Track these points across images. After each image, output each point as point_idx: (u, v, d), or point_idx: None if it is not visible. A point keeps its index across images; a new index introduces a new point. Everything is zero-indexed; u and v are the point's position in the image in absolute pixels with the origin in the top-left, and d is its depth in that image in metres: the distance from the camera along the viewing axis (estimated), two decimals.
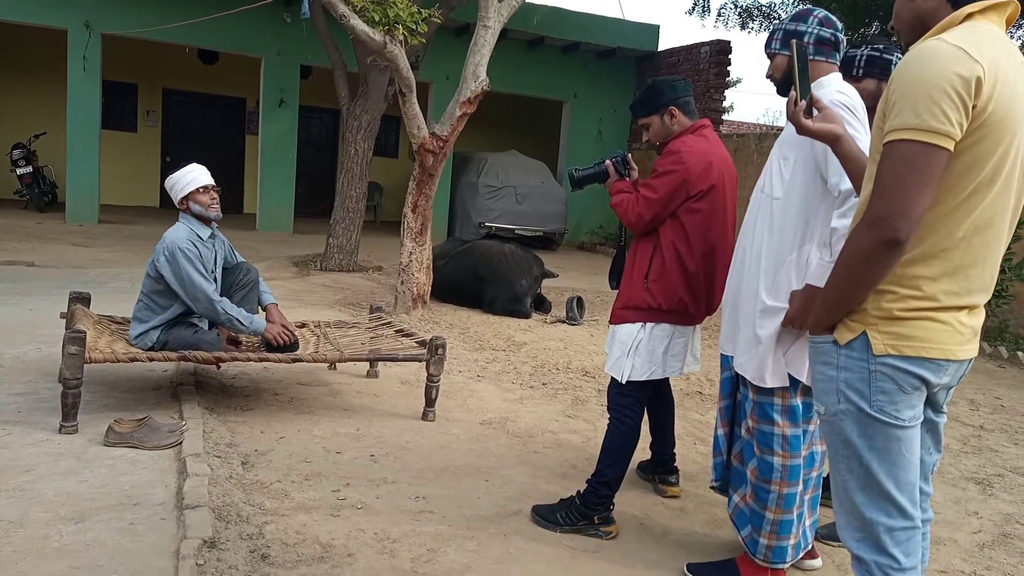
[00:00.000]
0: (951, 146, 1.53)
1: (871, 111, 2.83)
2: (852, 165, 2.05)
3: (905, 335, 1.63)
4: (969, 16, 1.62)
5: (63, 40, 10.64)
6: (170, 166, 3.97)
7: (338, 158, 9.38)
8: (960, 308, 1.66)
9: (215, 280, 3.80)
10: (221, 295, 3.82)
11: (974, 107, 1.52)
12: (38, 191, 11.72)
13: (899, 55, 2.97)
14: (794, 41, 2.03)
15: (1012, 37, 9.61)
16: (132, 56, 12.81)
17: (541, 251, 11.65)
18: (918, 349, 1.63)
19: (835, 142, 2.04)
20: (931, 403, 1.79)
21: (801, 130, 2.02)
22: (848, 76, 2.85)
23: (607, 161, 3.01)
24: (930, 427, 1.83)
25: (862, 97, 2.83)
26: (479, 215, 12.17)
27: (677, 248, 2.74)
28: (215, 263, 3.81)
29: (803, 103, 1.98)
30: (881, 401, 1.66)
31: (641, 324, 2.82)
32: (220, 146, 14.40)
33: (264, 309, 3.97)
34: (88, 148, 10.87)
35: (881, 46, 2.96)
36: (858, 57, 2.95)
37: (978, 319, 1.72)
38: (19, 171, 11.50)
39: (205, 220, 3.76)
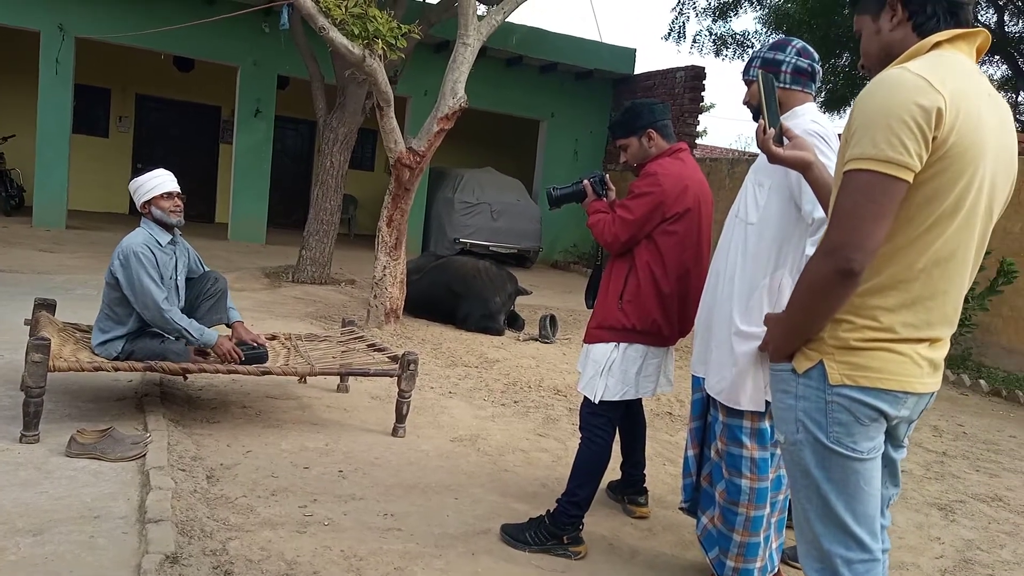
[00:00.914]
0: (910, 177, 1.51)
1: None
2: (824, 192, 2.05)
3: (861, 365, 1.61)
4: (937, 45, 1.60)
5: (36, 42, 10.48)
6: (141, 173, 3.93)
7: (313, 170, 9.36)
8: (920, 340, 1.62)
9: (177, 288, 3.73)
10: (188, 305, 3.77)
11: (934, 138, 1.50)
12: (5, 194, 11.50)
13: None
14: (760, 71, 2.08)
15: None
16: (106, 60, 12.65)
17: (515, 268, 11.66)
18: (874, 380, 1.60)
19: (806, 169, 2.05)
20: (891, 437, 1.75)
21: (772, 158, 2.04)
22: None
23: (585, 181, 3.04)
24: (887, 463, 1.78)
25: None
26: (454, 231, 12.17)
27: (652, 270, 2.76)
28: (175, 270, 3.74)
29: (772, 131, 2.01)
30: (838, 432, 1.63)
31: (615, 344, 2.83)
32: (193, 154, 14.24)
33: (230, 327, 3.92)
34: (58, 152, 10.68)
35: None
36: None
37: (940, 352, 1.68)
38: None
39: (166, 226, 3.71)
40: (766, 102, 2.00)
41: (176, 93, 13.98)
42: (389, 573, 2.55)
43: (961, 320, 6.68)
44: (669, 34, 13.49)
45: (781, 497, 2.64)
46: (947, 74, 1.53)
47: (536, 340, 6.77)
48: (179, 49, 11.23)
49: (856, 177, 1.53)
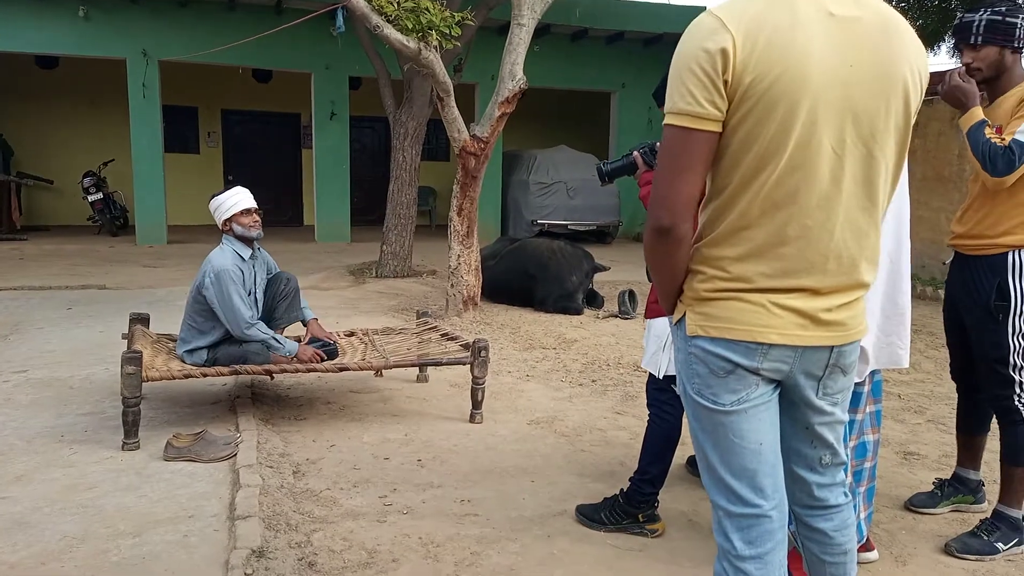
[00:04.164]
0: (709, 126, 1.43)
1: (991, 82, 2.68)
2: None
3: (712, 315, 1.54)
4: None
5: (123, 69, 11.11)
6: (232, 184, 4.13)
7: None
8: (781, 290, 1.50)
9: (255, 300, 3.93)
10: (265, 307, 3.99)
11: (727, 81, 1.40)
12: (109, 216, 12.28)
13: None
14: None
15: None
16: (190, 80, 13.25)
17: (596, 245, 11.59)
18: (723, 330, 1.52)
19: None
20: (795, 395, 1.61)
21: None
22: (965, 44, 2.62)
23: (635, 152, 2.96)
24: (803, 424, 1.65)
25: (982, 68, 2.61)
26: (531, 212, 12.17)
27: None
28: (255, 283, 3.94)
29: None
30: (697, 383, 1.58)
31: None
32: (278, 162, 14.80)
33: (305, 325, 4.10)
34: (153, 172, 11.33)
35: (1003, 8, 2.61)
36: (976, 22, 2.60)
37: (819, 303, 1.52)
38: (91, 198, 12.08)
39: (247, 240, 3.88)
40: None
41: (258, 104, 14.52)
42: (465, 558, 2.59)
43: None
44: None
45: (868, 465, 2.54)
46: (753, 7, 1.42)
47: (616, 316, 6.70)
48: (255, 62, 11.65)
49: (664, 133, 1.49)
